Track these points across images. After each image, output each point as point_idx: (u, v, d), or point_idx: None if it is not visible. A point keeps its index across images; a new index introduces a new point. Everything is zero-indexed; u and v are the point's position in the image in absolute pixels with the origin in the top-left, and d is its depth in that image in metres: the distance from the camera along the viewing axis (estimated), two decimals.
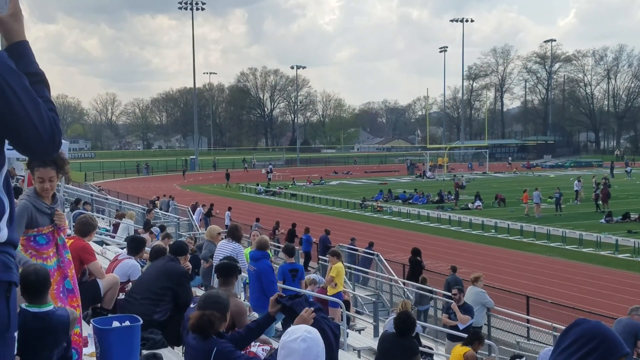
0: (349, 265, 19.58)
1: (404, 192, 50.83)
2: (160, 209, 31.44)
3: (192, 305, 5.78)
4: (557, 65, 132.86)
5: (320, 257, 22.23)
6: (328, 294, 12.42)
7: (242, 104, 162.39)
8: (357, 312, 16.04)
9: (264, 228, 27.74)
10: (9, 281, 2.21)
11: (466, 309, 12.24)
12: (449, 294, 13.87)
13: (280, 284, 11.01)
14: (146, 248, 9.17)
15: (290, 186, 61.30)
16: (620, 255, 26.74)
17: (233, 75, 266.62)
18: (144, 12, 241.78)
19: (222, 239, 11.13)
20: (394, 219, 39.77)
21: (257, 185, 57.19)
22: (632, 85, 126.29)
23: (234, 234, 10.53)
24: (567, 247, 28.91)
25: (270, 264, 9.25)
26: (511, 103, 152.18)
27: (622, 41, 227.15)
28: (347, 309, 12.95)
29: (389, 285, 19.37)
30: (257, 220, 29.18)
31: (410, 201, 46.95)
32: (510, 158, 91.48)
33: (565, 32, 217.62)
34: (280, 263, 18.86)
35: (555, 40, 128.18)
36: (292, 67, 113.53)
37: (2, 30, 2.24)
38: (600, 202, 39.08)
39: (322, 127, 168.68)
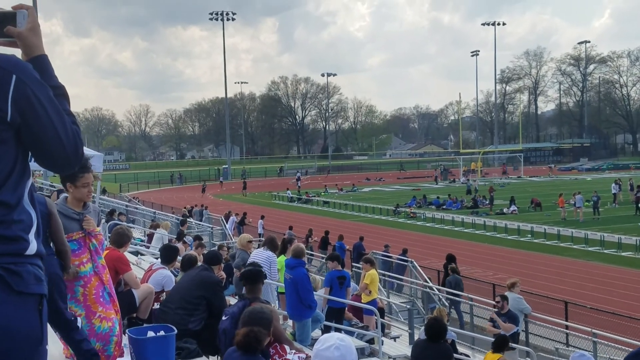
0: (382, 272, 19.48)
1: (438, 197, 50.48)
2: (191, 217, 31.70)
3: (224, 318, 5.79)
4: (591, 67, 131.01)
5: (353, 264, 22.16)
6: (362, 301, 12.38)
7: (274, 112, 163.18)
8: (392, 319, 15.95)
9: (298, 236, 27.74)
10: (41, 294, 2.22)
11: (510, 317, 12.05)
12: (492, 301, 13.69)
13: (325, 293, 11.03)
14: (178, 257, 9.25)
15: (322, 194, 61.34)
16: None
17: (264, 84, 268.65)
18: (176, 23, 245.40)
19: (255, 247, 11.20)
20: (427, 225, 39.53)
21: (287, 190, 57.27)
22: None
23: (272, 244, 10.61)
24: (605, 251, 28.41)
25: (306, 272, 9.24)
26: (545, 106, 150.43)
27: None
28: (382, 316, 12.88)
29: (423, 292, 19.22)
30: (290, 228, 29.21)
31: (444, 207, 46.63)
32: (553, 165, 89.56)
33: (600, 32, 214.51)
34: (313, 271, 18.85)
35: (589, 42, 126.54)
36: (322, 75, 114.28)
37: (21, 45, 2.27)
38: None
39: (353, 133, 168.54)
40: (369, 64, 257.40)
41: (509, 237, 33.34)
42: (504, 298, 12.38)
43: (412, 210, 44.40)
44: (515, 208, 42.65)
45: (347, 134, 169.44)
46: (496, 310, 12.39)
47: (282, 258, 11.26)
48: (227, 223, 30.84)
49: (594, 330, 13.41)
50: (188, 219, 26.17)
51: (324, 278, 12.41)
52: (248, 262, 10.02)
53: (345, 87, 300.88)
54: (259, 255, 10.35)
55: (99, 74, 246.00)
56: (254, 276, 6.19)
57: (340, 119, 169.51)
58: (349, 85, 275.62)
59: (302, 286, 8.85)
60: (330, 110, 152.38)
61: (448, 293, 17.27)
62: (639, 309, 18.85)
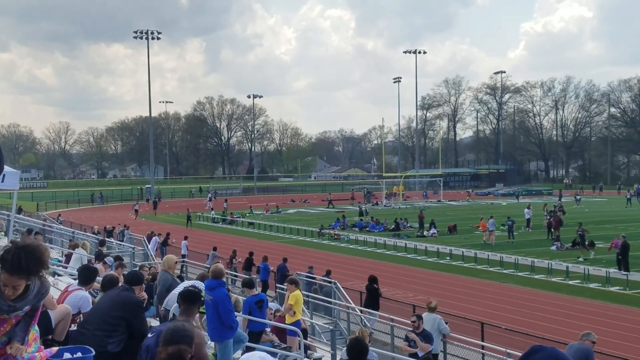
0: (306, 293, 19.45)
1: (361, 220, 50.91)
2: (112, 237, 30.87)
3: (150, 335, 5.62)
4: (507, 96, 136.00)
5: (278, 285, 22.04)
6: (286, 322, 12.30)
7: (199, 132, 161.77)
8: (315, 340, 15.90)
9: (222, 257, 27.45)
10: None
11: (425, 336, 12.22)
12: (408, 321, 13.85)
13: (245, 318, 10.86)
14: (98, 278, 8.96)
15: (247, 215, 61.06)
16: (570, 282, 27.20)
17: (190, 104, 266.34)
18: (99, 40, 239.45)
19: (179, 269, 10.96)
20: (351, 246, 39.82)
21: (212, 211, 56.50)
22: (579, 115, 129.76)
23: (216, 274, 10.30)
24: (519, 273, 29.28)
25: (226, 292, 9.10)
26: (464, 132, 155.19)
27: (570, 72, 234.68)
28: (305, 337, 12.83)
29: (346, 313, 19.28)
30: (214, 249, 28.89)
31: (367, 229, 47.13)
32: (471, 190, 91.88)
33: (515, 64, 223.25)
34: (237, 292, 18.62)
35: (504, 72, 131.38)
36: (249, 96, 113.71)
37: None
38: (553, 229, 39.78)
39: (279, 155, 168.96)
40: (295, 87, 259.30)
41: (429, 260, 33.95)
42: (419, 317, 12.63)
43: (336, 232, 44.68)
44: (435, 231, 43.55)
45: (273, 155, 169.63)
46: (411, 329, 12.57)
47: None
48: (149, 243, 30.18)
49: (508, 351, 13.74)
50: (108, 240, 25.47)
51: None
52: (192, 284, 9.79)
53: (271, 109, 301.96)
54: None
55: (17, 89, 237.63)
56: (192, 297, 6.07)
57: (265, 141, 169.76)
58: (275, 107, 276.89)
59: (223, 306, 8.70)
60: (256, 132, 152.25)
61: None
62: (552, 330, 19.50)
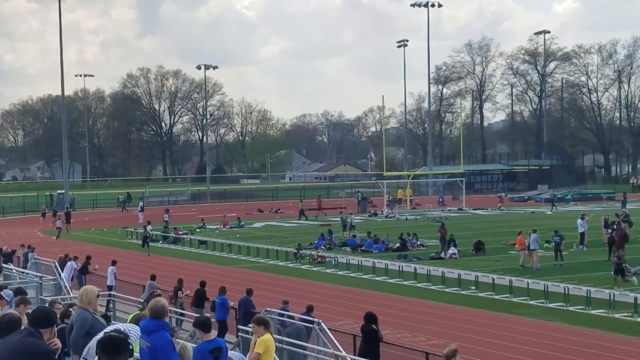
0: (279, 337, 19.47)
1: (354, 236, 50.98)
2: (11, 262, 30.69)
3: None
4: (552, 65, 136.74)
5: (240, 327, 22.04)
6: None
7: (130, 117, 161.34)
8: None
9: (163, 289, 27.38)
10: None
11: None
12: None
13: None
14: None
15: (198, 230, 60.77)
16: (639, 319, 27.40)
17: (117, 79, 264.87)
18: None
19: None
20: (340, 273, 39.84)
21: (148, 225, 56.27)
22: None
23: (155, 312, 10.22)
24: (571, 308, 29.44)
25: (169, 338, 9.09)
26: (494, 116, 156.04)
27: (638, 32, 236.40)
28: None
29: None
30: (153, 278, 28.83)
31: (363, 248, 47.17)
32: (504, 194, 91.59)
33: (563, 20, 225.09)
34: (184, 337, 18.63)
35: (549, 32, 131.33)
36: (198, 67, 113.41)
37: None
38: (615, 246, 39.95)
39: (241, 148, 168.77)
40: (263, 54, 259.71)
41: (447, 290, 34.04)
42: None
43: (320, 254, 44.69)
44: (456, 251, 43.71)
45: (233, 148, 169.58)
46: None
47: (133, 316, 11.05)
48: (62, 271, 30.05)
49: None
50: (6, 266, 25.32)
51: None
52: (115, 328, 9.75)
53: (230, 85, 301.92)
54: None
55: None
56: (115, 346, 6.05)
57: (222, 128, 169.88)
58: (235, 82, 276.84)
59: (164, 356, 8.69)
60: (209, 116, 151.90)
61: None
62: None
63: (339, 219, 61.82)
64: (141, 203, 78.26)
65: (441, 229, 47.47)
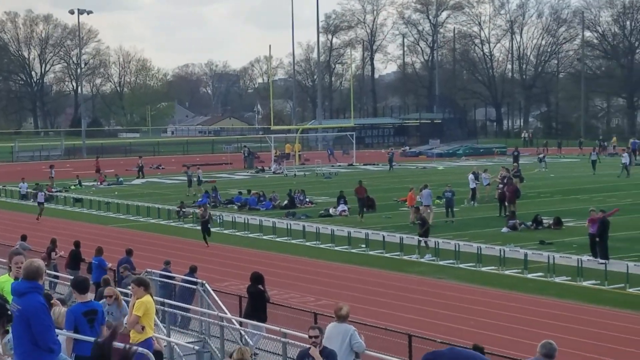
0: (161, 299, 19.37)
1: (240, 193, 50.99)
2: None
3: None
4: (444, 15, 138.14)
5: (118, 289, 21.81)
6: (132, 341, 12.23)
7: None
8: None
9: (34, 250, 26.85)
10: None
11: (327, 356, 12.45)
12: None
13: (68, 340, 10.67)
14: None
15: (73, 187, 59.73)
16: (530, 275, 28.25)
17: None
18: None
19: None
20: (225, 231, 39.81)
21: (21, 182, 55.15)
22: (543, 42, 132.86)
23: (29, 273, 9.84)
24: (461, 265, 30.15)
25: (43, 301, 8.93)
26: (385, 67, 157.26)
27: None
28: None
29: (219, 326, 19.35)
30: (23, 238, 28.25)
31: (250, 206, 47.20)
32: (394, 148, 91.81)
33: None
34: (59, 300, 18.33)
35: None
36: (71, 12, 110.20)
37: None
38: (507, 202, 40.90)
39: (119, 100, 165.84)
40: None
41: (336, 248, 34.41)
42: (322, 331, 12.87)
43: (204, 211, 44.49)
44: (346, 208, 44.08)
45: (110, 100, 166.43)
46: (308, 347, 12.80)
47: (6, 278, 10.83)
48: None
49: None
50: None
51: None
52: None
53: (106, 32, 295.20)
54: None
55: None
56: None
57: (99, 79, 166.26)
58: (112, 28, 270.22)
59: (38, 320, 8.51)
60: (83, 65, 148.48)
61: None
62: (503, 342, 20.26)
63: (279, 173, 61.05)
64: None
65: (359, 187, 44.43)
